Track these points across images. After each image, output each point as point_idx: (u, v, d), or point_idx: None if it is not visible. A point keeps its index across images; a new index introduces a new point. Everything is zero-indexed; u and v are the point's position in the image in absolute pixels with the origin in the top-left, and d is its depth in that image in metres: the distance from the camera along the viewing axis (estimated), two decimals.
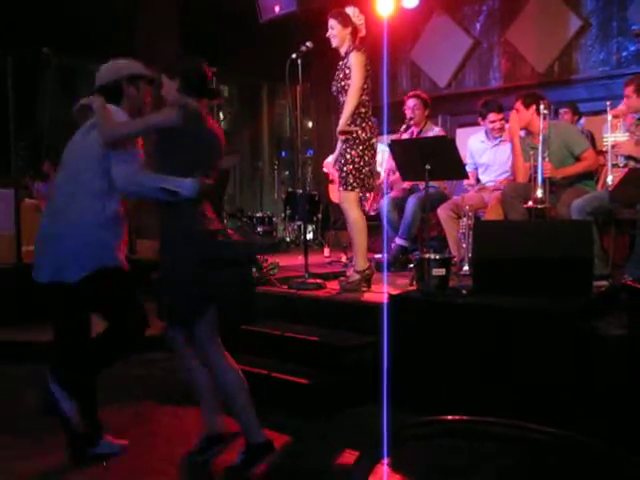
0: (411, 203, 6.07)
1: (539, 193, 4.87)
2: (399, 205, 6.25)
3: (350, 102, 4.87)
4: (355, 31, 5.01)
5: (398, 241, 6.16)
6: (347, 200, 4.97)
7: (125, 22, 8.38)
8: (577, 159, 5.15)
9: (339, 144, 5.09)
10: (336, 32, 5.00)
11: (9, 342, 6.09)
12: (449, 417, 1.78)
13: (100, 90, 3.51)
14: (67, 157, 3.53)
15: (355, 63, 4.89)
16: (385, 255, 6.06)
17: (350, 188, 4.93)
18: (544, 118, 5.09)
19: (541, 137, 4.99)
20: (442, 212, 5.72)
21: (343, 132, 4.92)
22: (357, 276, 5.02)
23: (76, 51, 7.27)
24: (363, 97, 4.91)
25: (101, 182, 3.35)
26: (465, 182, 6.12)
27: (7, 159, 7.82)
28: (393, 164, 5.76)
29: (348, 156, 4.93)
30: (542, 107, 5.07)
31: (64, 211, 3.39)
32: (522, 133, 5.39)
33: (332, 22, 5.00)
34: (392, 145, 5.38)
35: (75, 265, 3.34)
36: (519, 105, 5.27)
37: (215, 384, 3.41)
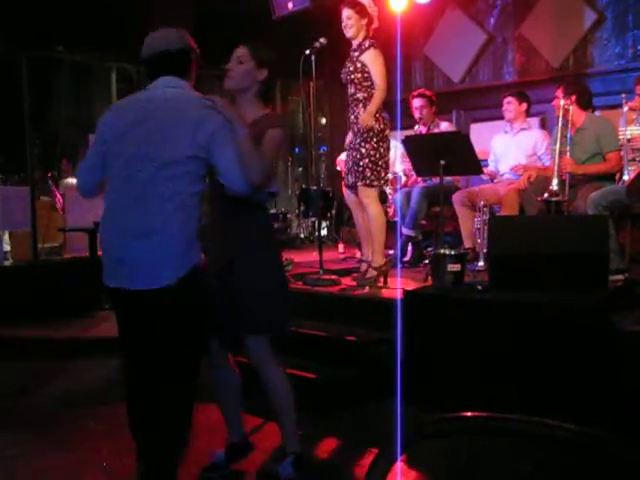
0: (416, 193, 6.10)
1: (555, 185, 4.85)
2: (410, 198, 6.25)
3: (375, 102, 4.88)
4: (370, 22, 5.02)
5: (405, 231, 6.17)
6: (367, 195, 4.96)
7: (139, 21, 8.39)
8: (603, 157, 5.15)
9: (349, 138, 5.08)
10: (353, 22, 5.00)
11: (24, 339, 6.14)
12: (469, 414, 1.77)
13: (160, 57, 2.87)
14: None
15: (373, 62, 4.90)
16: (399, 249, 6.05)
17: (369, 182, 4.91)
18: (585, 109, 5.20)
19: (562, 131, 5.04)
20: (456, 199, 5.71)
21: (368, 125, 4.91)
22: (374, 272, 5.01)
23: (90, 50, 7.29)
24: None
25: None
26: (483, 176, 6.09)
27: (23, 157, 7.87)
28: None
29: (363, 150, 4.92)
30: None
31: None
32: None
33: (349, 12, 4.99)
34: (406, 141, 5.37)
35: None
36: None
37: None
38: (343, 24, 5.03)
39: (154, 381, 2.82)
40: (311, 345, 4.67)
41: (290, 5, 6.66)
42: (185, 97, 2.86)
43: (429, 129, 6.34)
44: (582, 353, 3.59)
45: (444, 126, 6.35)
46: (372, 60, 4.91)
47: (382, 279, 5.03)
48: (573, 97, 5.20)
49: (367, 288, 4.96)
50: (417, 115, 6.35)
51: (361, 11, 4.99)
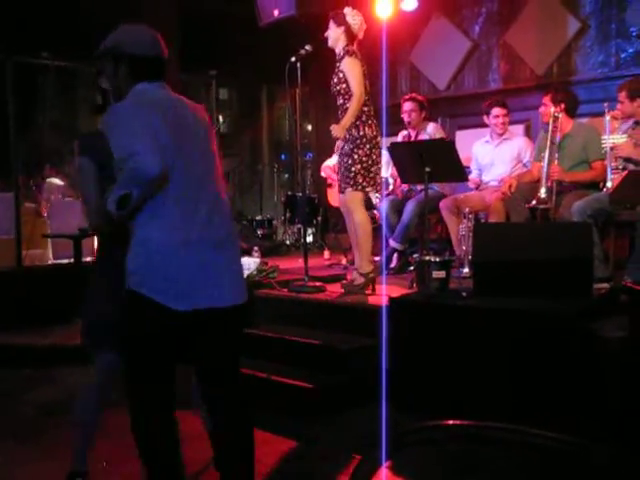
0: (410, 207, 6.05)
1: (542, 193, 4.89)
2: (398, 207, 6.25)
3: (352, 109, 4.87)
4: (349, 31, 4.99)
5: (392, 243, 6.14)
6: (353, 200, 4.95)
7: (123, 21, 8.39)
8: (589, 165, 5.19)
9: (339, 144, 5.08)
10: (330, 31, 5.02)
11: (8, 346, 6.10)
12: (451, 422, 1.77)
13: (163, 61, 2.74)
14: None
15: (349, 70, 4.89)
16: (384, 257, 6.06)
17: (360, 188, 4.91)
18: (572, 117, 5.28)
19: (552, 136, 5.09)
20: (443, 206, 5.73)
21: (338, 136, 4.92)
22: (362, 279, 5.01)
23: (75, 55, 7.27)
24: (364, 98, 4.91)
25: None
26: (468, 183, 6.11)
27: (7, 163, 7.82)
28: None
29: (356, 156, 4.91)
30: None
31: None
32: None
33: (330, 22, 5.03)
34: (391, 148, 5.39)
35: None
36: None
37: None
38: (325, 33, 5.07)
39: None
40: (296, 352, 4.67)
41: (276, 12, 6.66)
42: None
43: (418, 134, 6.35)
44: (566, 360, 3.61)
45: (431, 127, 6.36)
46: (348, 68, 4.90)
47: (370, 286, 5.03)
48: (562, 105, 5.24)
49: (355, 295, 4.96)
50: (406, 119, 6.36)
51: (338, 19, 5.00)
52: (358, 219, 4.95)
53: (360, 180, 4.91)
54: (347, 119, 4.87)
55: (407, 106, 6.36)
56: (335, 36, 5.02)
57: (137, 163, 2.38)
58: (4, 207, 7.46)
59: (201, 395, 2.93)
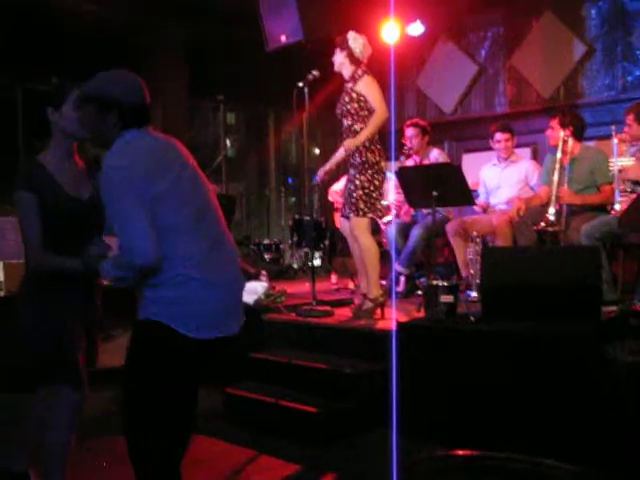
0: (415, 232, 6.03)
1: (551, 215, 4.88)
2: (405, 231, 6.24)
3: (372, 124, 4.88)
4: (351, 55, 5.01)
5: (397, 267, 6.10)
6: (358, 227, 4.95)
7: (134, 55, 8.47)
8: (597, 189, 5.20)
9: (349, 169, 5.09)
10: (336, 56, 5.07)
11: (20, 368, 6.09)
12: (461, 452, 1.76)
13: (130, 110, 2.63)
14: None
15: (368, 88, 4.91)
16: (393, 282, 6.04)
17: (362, 214, 4.91)
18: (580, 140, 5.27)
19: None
20: (450, 230, 5.72)
21: (350, 149, 4.92)
22: (370, 304, 4.99)
23: (85, 82, 7.34)
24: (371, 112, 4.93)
25: None
26: (475, 207, 6.10)
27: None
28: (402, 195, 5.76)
29: (357, 182, 4.92)
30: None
31: None
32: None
33: (336, 46, 5.07)
34: (399, 172, 5.40)
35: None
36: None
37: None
38: (333, 58, 5.10)
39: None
40: (304, 376, 4.65)
41: (283, 38, 6.72)
42: None
43: (422, 159, 6.34)
44: (576, 384, 3.59)
45: (434, 153, 6.35)
46: (367, 86, 4.92)
47: (379, 311, 5.02)
48: (571, 128, 5.25)
49: (364, 320, 4.94)
50: (408, 144, 6.33)
51: (341, 44, 5.03)
52: (364, 244, 4.95)
53: (362, 206, 4.91)
54: (364, 134, 4.88)
55: (409, 132, 6.33)
56: (340, 60, 5.05)
57: (134, 255, 2.42)
58: (14, 232, 7.48)
59: None
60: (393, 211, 6.54)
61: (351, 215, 4.96)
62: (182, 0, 7.79)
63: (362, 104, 4.93)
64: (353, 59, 5.00)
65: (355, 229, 4.96)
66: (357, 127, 4.95)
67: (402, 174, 5.39)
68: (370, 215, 4.94)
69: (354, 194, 4.91)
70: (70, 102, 2.99)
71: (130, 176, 2.46)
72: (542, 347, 3.76)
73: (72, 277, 2.98)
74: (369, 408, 4.25)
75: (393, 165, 5.90)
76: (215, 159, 9.12)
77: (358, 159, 4.92)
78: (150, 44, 8.60)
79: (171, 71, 8.55)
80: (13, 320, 3.13)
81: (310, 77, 5.22)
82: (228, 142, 10.70)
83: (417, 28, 7.73)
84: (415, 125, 6.35)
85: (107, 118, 2.59)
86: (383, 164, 5.03)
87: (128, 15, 8.11)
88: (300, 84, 5.24)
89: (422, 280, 5.33)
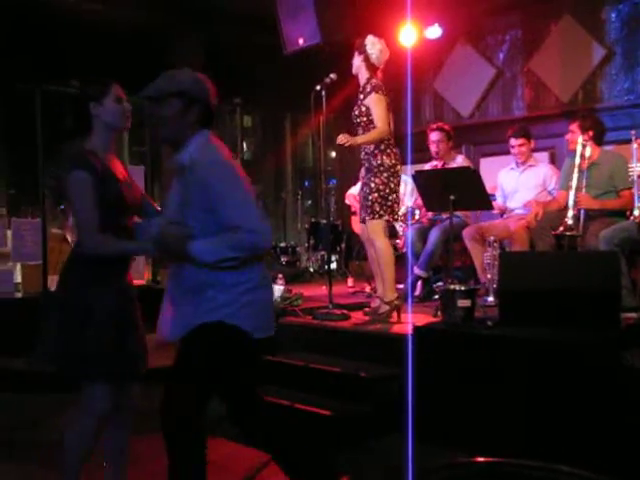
0: (434, 235, 6.03)
1: (570, 219, 4.85)
2: (424, 235, 6.22)
3: (370, 136, 4.90)
4: (367, 60, 5.01)
5: (416, 271, 6.10)
6: (374, 229, 4.94)
7: (151, 56, 8.51)
8: (617, 194, 5.16)
9: (362, 172, 5.10)
10: (354, 59, 5.07)
11: (35, 371, 6.13)
12: (481, 459, 1.74)
13: (209, 108, 2.86)
14: None
15: (374, 106, 4.92)
16: (410, 285, 6.03)
17: (377, 216, 4.90)
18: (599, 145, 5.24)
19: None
20: (467, 235, 5.69)
21: (351, 145, 4.90)
22: (386, 307, 4.98)
23: (104, 84, 7.38)
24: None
25: None
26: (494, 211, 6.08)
27: (35, 190, 7.92)
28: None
29: (372, 185, 4.92)
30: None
31: None
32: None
33: (355, 49, 5.07)
34: (416, 176, 5.38)
35: None
36: None
37: None
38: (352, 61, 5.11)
39: None
40: (320, 380, 4.65)
41: (301, 41, 6.72)
42: None
43: (445, 163, 6.31)
44: (594, 391, 3.56)
45: (459, 159, 6.32)
46: (374, 104, 4.92)
47: (395, 314, 5.00)
48: (590, 133, 5.21)
49: (380, 323, 4.93)
50: (434, 149, 6.30)
51: (358, 48, 5.04)
52: (380, 247, 4.94)
53: (377, 209, 4.90)
54: (361, 139, 4.91)
55: (434, 136, 6.30)
56: (357, 64, 5.06)
57: (257, 240, 2.70)
58: (32, 233, 7.53)
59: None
60: (417, 216, 6.50)
61: (367, 218, 4.95)
62: (200, 3, 7.81)
63: (370, 118, 4.94)
64: (369, 64, 5.00)
65: (371, 232, 4.95)
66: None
67: (419, 178, 5.38)
68: (386, 218, 4.93)
69: (369, 197, 4.91)
70: (112, 95, 3.05)
71: (236, 169, 2.79)
72: (560, 353, 3.73)
73: (126, 260, 3.11)
74: (384, 412, 4.23)
75: (410, 169, 5.88)
76: None
77: (374, 162, 4.92)
78: (168, 46, 8.63)
79: None
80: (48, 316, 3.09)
81: (328, 80, 5.22)
82: (245, 145, 10.72)
83: (435, 31, 7.71)
84: (440, 129, 6.32)
85: (189, 114, 2.78)
86: (399, 168, 5.02)
87: (146, 17, 8.14)
88: (318, 87, 5.24)
89: (439, 284, 5.31)
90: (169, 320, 2.88)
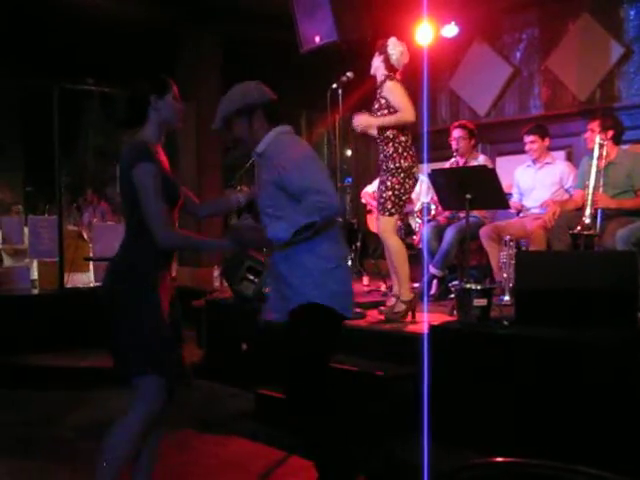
0: (450, 233, 6.00)
1: (587, 218, 4.83)
2: (440, 233, 6.20)
3: (393, 118, 4.87)
4: (387, 61, 4.98)
5: (431, 270, 6.08)
6: (385, 227, 4.93)
7: (168, 53, 8.53)
8: (635, 193, 5.13)
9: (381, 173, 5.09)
10: (374, 59, 5.05)
11: (48, 367, 6.18)
12: (501, 459, 1.73)
13: (269, 106, 3.26)
14: None
15: (391, 92, 4.89)
16: (425, 284, 6.01)
17: (388, 214, 4.89)
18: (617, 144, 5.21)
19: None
20: (484, 234, 5.67)
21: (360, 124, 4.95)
22: (403, 306, 4.97)
23: (119, 81, 7.41)
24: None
25: None
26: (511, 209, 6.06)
27: (52, 187, 7.97)
28: None
29: (389, 183, 4.91)
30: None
31: None
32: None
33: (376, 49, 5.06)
34: (432, 174, 5.36)
35: None
36: None
37: None
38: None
39: None
40: (337, 379, 4.63)
41: (317, 39, 6.70)
42: None
43: (467, 161, 6.30)
44: (611, 391, 3.54)
45: (481, 159, 6.30)
46: (389, 90, 4.90)
47: (410, 313, 4.99)
48: (610, 132, 5.18)
49: (396, 322, 4.92)
50: (454, 146, 6.29)
51: (379, 48, 5.02)
52: (392, 245, 4.93)
53: (389, 206, 4.89)
54: (379, 120, 4.91)
55: (456, 133, 6.29)
56: (376, 64, 5.04)
57: (326, 199, 2.93)
58: (48, 230, 7.58)
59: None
60: (432, 212, 6.48)
61: (379, 215, 4.95)
62: (217, 1, 7.83)
63: (391, 110, 4.92)
64: (388, 65, 4.98)
65: (382, 230, 4.95)
66: (389, 133, 4.93)
67: (435, 176, 5.36)
68: (396, 216, 4.92)
69: (384, 195, 4.91)
70: (172, 92, 3.10)
71: (313, 153, 3.20)
72: (576, 353, 3.71)
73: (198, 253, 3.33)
74: (400, 411, 4.23)
75: (426, 167, 5.86)
76: (246, 160, 9.14)
77: (391, 165, 4.91)
78: (185, 44, 8.66)
79: (206, 71, 8.60)
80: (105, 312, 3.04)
81: (344, 79, 5.22)
82: None
83: (451, 30, 7.68)
84: (463, 127, 6.30)
85: (254, 122, 3.15)
86: (416, 170, 5.01)
87: (164, 15, 8.17)
88: (334, 85, 5.23)
89: (455, 283, 5.29)
90: (275, 302, 3.23)
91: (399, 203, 4.90)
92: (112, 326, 2.98)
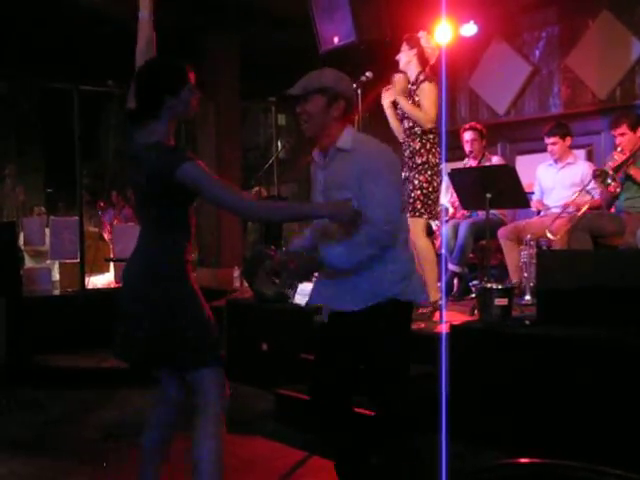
0: (463, 228, 5.99)
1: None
2: (457, 231, 6.19)
3: (414, 111, 4.91)
4: (421, 55, 4.99)
5: (450, 267, 6.07)
6: (414, 229, 4.89)
7: (188, 56, 8.56)
8: None
9: (404, 172, 5.07)
10: (402, 54, 5.04)
11: (72, 368, 6.23)
12: (525, 460, 1.72)
13: (351, 105, 3.11)
14: None
15: (426, 95, 4.92)
16: (444, 284, 5.99)
17: (418, 214, 4.88)
18: None
19: None
20: (502, 235, 5.65)
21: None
22: (429, 307, 4.96)
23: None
24: (431, 125, 4.91)
25: None
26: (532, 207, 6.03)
27: (72, 188, 8.03)
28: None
29: (416, 182, 4.89)
30: None
31: None
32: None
33: (403, 44, 5.06)
34: (452, 174, 5.35)
35: None
36: None
37: None
38: (397, 56, 5.10)
39: None
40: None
41: (336, 40, 6.70)
42: None
43: (480, 163, 6.28)
44: (635, 391, 3.51)
45: (495, 160, 6.29)
46: (425, 93, 4.92)
47: (437, 314, 4.96)
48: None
49: (423, 323, 4.89)
50: (468, 149, 6.31)
51: (410, 42, 5.02)
52: (421, 247, 4.90)
53: (419, 206, 4.87)
54: (403, 101, 4.96)
55: (468, 136, 6.30)
56: (407, 59, 5.03)
57: (387, 232, 2.91)
58: (69, 231, 7.64)
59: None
60: (450, 209, 6.47)
61: (408, 215, 4.92)
62: (235, 3, 7.84)
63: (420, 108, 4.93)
64: (422, 59, 5.00)
65: (411, 232, 4.92)
66: (417, 129, 4.93)
67: (455, 176, 5.35)
68: (426, 216, 4.90)
69: (412, 194, 4.89)
70: (189, 85, 3.02)
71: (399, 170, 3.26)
72: (600, 352, 3.70)
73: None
74: (423, 411, 4.21)
75: (445, 167, 5.84)
76: (266, 160, 9.17)
77: (418, 160, 4.90)
78: (203, 46, 8.68)
79: (224, 72, 8.62)
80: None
81: (364, 79, 5.20)
82: (279, 144, 10.75)
83: (470, 29, 7.63)
84: (474, 129, 6.32)
85: (332, 110, 2.98)
86: (442, 167, 5.00)
87: (182, 17, 8.20)
88: (354, 86, 5.22)
89: (475, 282, 5.27)
90: (341, 293, 3.05)
91: (428, 202, 4.88)
92: (158, 326, 2.92)
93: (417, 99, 4.95)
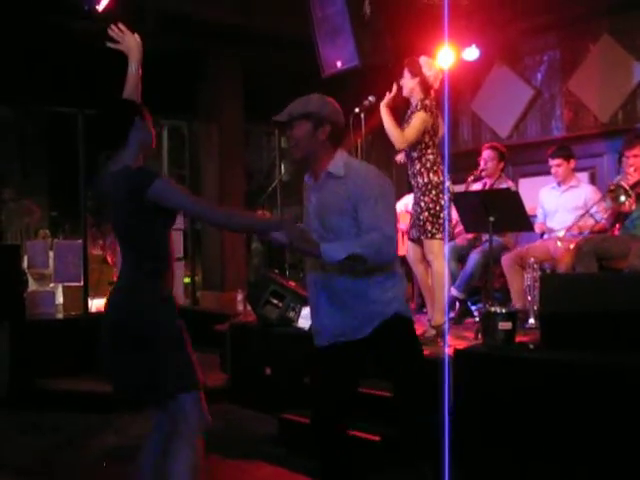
0: (474, 258, 5.95)
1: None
2: (461, 255, 6.18)
3: (390, 130, 4.90)
4: (424, 82, 4.99)
5: (453, 292, 6.01)
6: (431, 250, 4.88)
7: (190, 81, 8.62)
8: None
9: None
10: (405, 80, 5.03)
11: (74, 391, 6.22)
12: None
13: (339, 129, 3.17)
14: None
15: (414, 121, 4.90)
16: (447, 306, 5.96)
17: (430, 235, 4.86)
18: None
19: None
20: (505, 262, 5.63)
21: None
22: (433, 331, 4.93)
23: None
24: (428, 141, 4.91)
25: None
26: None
27: (76, 211, 8.04)
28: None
29: (422, 203, 4.89)
30: None
31: None
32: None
33: (405, 70, 5.05)
34: (456, 198, 5.36)
35: None
36: None
37: None
38: (401, 82, 5.09)
39: None
40: (366, 404, 4.60)
41: (339, 64, 6.73)
42: None
43: (493, 185, 6.27)
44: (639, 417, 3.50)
45: (506, 186, 6.26)
46: (413, 119, 4.91)
47: (440, 338, 4.93)
48: None
49: (428, 348, 4.86)
50: (482, 166, 6.29)
51: (412, 70, 5.01)
52: (437, 269, 4.88)
53: (429, 227, 4.86)
54: (387, 120, 4.93)
55: (486, 154, 6.31)
56: (410, 86, 5.02)
57: (389, 248, 2.99)
58: (73, 254, 7.65)
59: None
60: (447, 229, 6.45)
61: (422, 238, 4.91)
62: (239, 26, 7.90)
63: (404, 127, 4.93)
64: (426, 86, 4.99)
65: (428, 253, 4.91)
66: (414, 154, 4.95)
67: (458, 199, 5.35)
68: (438, 236, 4.87)
69: (421, 216, 4.88)
70: (146, 113, 3.13)
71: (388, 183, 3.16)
72: (605, 377, 3.68)
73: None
74: (429, 437, 4.18)
75: (447, 188, 5.85)
76: (269, 183, 9.18)
77: (421, 181, 4.90)
78: (208, 71, 8.74)
79: (228, 96, 8.67)
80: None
81: (367, 103, 5.22)
82: (282, 167, 10.77)
83: (472, 53, 7.69)
84: (494, 148, 6.33)
85: (318, 134, 3.05)
86: (448, 185, 5.00)
87: (185, 40, 8.26)
88: (357, 110, 5.24)
89: (478, 306, 5.26)
90: (347, 322, 3.11)
91: (438, 221, 4.86)
92: (140, 355, 2.94)
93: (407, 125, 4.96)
